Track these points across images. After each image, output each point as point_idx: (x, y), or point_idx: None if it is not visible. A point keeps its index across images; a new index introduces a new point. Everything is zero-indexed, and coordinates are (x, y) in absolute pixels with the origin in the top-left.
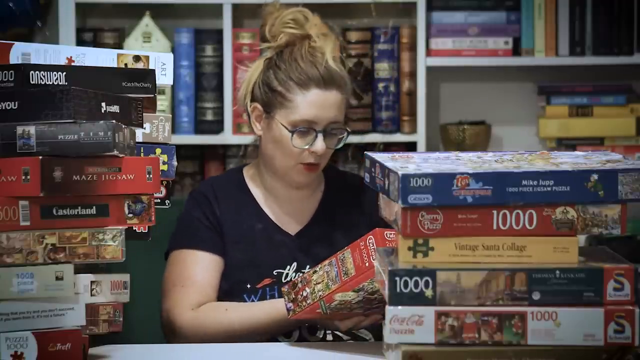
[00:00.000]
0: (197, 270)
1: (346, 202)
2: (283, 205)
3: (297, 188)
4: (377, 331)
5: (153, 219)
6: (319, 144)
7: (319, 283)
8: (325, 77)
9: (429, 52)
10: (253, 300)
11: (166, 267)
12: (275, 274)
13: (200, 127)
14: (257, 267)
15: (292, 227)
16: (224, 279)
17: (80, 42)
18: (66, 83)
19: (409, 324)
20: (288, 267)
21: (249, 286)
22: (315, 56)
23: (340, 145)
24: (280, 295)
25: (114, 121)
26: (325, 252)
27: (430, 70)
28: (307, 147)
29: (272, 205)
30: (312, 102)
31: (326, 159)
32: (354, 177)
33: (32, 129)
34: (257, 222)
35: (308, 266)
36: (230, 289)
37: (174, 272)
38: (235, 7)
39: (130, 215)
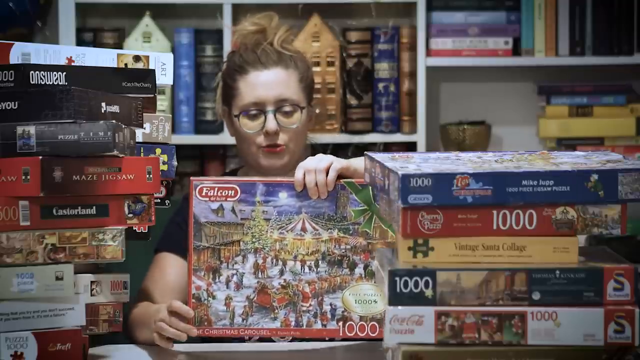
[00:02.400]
0: (161, 274)
1: None
2: None
3: (272, 174)
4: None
5: (153, 219)
6: (269, 124)
7: None
8: (263, 58)
9: (429, 52)
10: None
11: None
12: None
13: (200, 127)
14: None
15: None
16: None
17: (80, 42)
18: (66, 83)
19: (409, 324)
20: None
21: None
22: (259, 43)
23: (299, 123)
24: None
25: (114, 121)
26: None
27: (430, 70)
28: (259, 129)
29: None
30: (252, 84)
31: (294, 141)
32: None
33: (32, 129)
34: None
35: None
36: None
37: (147, 275)
38: (235, 7)
39: (130, 215)
